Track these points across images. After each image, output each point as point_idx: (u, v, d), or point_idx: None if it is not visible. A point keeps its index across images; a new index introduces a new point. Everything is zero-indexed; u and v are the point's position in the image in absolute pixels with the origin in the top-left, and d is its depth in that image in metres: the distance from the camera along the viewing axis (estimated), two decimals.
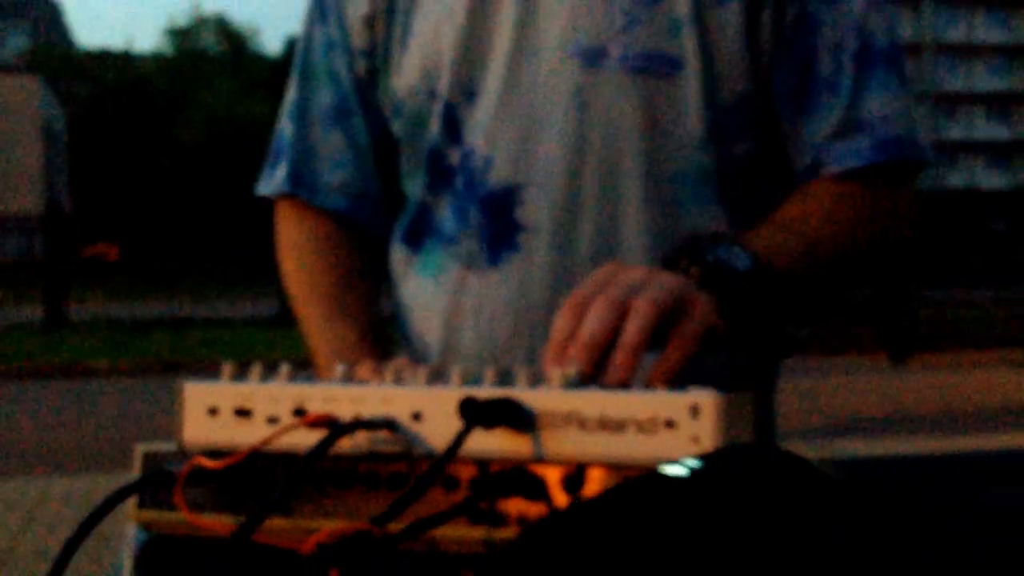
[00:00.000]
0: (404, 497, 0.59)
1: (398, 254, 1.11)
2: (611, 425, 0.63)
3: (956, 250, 17.84)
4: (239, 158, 46.38)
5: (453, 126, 1.04)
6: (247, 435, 0.67)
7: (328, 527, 0.59)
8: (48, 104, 41.93)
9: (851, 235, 0.98)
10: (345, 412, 0.66)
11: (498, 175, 1.01)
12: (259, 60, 56.34)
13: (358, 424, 0.64)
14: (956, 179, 62.29)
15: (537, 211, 1.00)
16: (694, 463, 0.49)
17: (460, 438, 0.61)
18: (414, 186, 1.09)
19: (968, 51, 64.26)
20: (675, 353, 0.75)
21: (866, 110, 0.99)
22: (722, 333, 0.81)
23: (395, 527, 0.60)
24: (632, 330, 0.73)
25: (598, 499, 0.51)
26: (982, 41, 63.94)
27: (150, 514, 0.69)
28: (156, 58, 57.13)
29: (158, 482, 0.68)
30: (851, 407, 9.15)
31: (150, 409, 9.02)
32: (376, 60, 1.09)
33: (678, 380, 0.72)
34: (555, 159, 0.99)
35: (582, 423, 0.63)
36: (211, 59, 55.94)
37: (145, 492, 0.69)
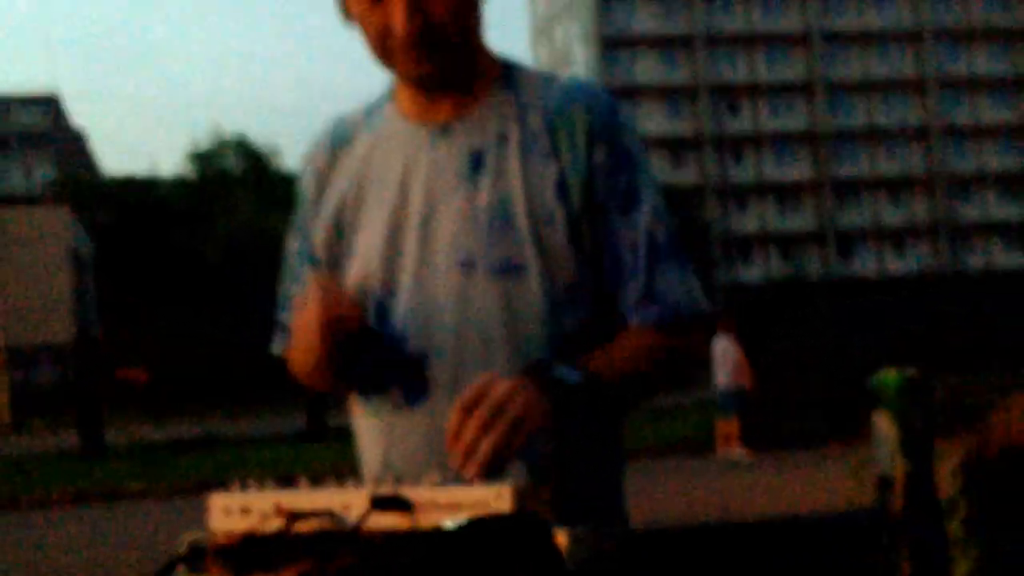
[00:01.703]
0: (331, 551, 1.06)
1: (353, 400, 1.60)
2: (454, 507, 1.09)
3: (973, 331, 18.02)
4: (263, 274, 47.13)
5: (382, 313, 1.53)
6: (248, 523, 1.15)
7: (291, 573, 1.06)
8: (76, 233, 42.93)
9: (650, 361, 1.48)
10: (305, 507, 1.13)
11: (411, 346, 1.50)
12: (280, 178, 57.49)
13: (309, 514, 1.11)
14: (976, 260, 62.53)
15: (439, 370, 1.48)
16: (459, 523, 0.96)
17: (364, 517, 1.08)
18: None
19: (977, 132, 64.79)
20: (516, 444, 1.26)
21: (655, 287, 1.49)
22: (548, 426, 1.31)
23: (334, 567, 1.07)
24: (484, 449, 1.24)
25: (415, 536, 0.99)
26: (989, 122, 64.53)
27: None
28: (179, 182, 58.34)
29: (196, 555, 1.15)
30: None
31: (185, 527, 9.41)
32: (332, 266, 1.59)
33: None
34: (448, 336, 1.48)
35: (438, 506, 1.10)
36: (233, 179, 57.11)
37: (189, 561, 1.15)
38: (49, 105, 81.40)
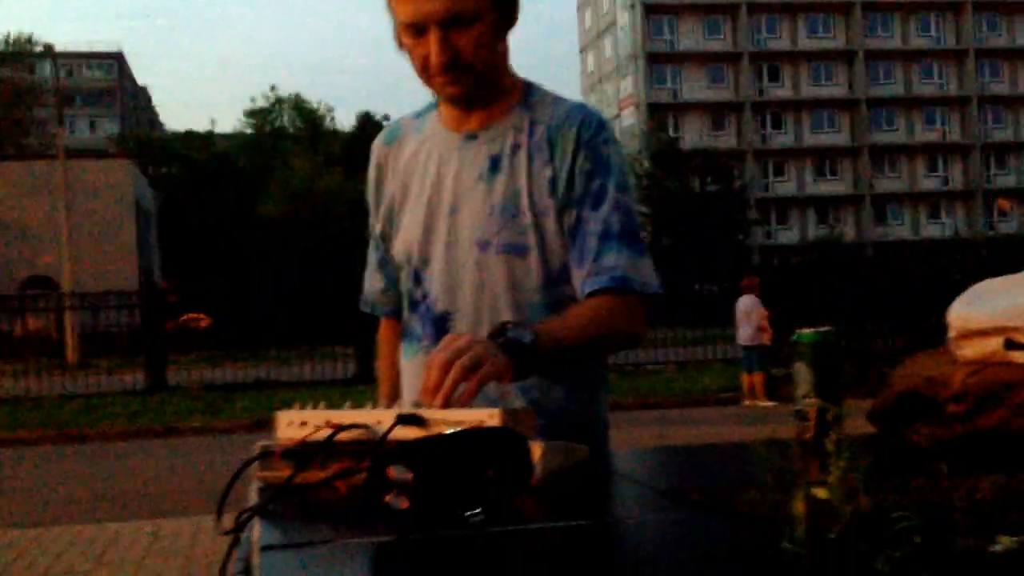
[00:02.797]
0: (368, 452, 1.44)
1: (401, 347, 2.01)
2: (458, 423, 1.46)
3: None
4: (317, 229, 47.93)
5: (417, 279, 1.93)
6: (305, 432, 1.53)
7: (333, 469, 1.44)
8: (139, 185, 43.67)
9: (599, 322, 1.79)
10: (348, 422, 1.51)
11: (439, 306, 1.89)
12: (334, 136, 57.90)
13: (349, 426, 1.49)
14: (1008, 226, 61.95)
15: (460, 326, 1.86)
16: (455, 431, 1.33)
17: (390, 430, 1.46)
18: (404, 307, 1.98)
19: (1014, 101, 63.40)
20: (472, 385, 1.55)
21: (604, 263, 1.82)
22: (509, 376, 1.61)
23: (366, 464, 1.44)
24: (447, 384, 1.53)
25: (423, 440, 1.36)
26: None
27: (265, 472, 1.54)
28: (237, 138, 58.94)
29: (267, 456, 1.53)
30: None
31: (239, 462, 9.90)
32: (387, 240, 2.01)
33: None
34: (467, 299, 1.86)
35: (446, 422, 1.47)
36: (288, 137, 57.62)
37: (262, 461, 1.54)
38: (114, 62, 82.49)
